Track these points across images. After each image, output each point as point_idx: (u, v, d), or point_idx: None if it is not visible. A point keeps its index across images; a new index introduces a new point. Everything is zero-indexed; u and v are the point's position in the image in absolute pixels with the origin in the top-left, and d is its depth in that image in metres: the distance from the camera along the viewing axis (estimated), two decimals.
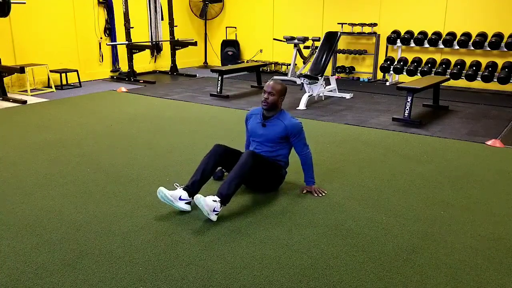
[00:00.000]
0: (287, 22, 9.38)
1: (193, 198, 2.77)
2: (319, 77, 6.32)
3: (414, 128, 4.94)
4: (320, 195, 3.08)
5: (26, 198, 2.99)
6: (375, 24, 8.25)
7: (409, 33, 7.93)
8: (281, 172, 3.11)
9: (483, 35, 7.24)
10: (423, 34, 7.77)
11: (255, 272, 2.16)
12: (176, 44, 9.07)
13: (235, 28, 10.18)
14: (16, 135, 4.49)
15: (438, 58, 7.84)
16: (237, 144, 3.65)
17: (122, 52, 8.46)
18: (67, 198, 2.99)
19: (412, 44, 7.87)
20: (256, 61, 9.78)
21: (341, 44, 8.87)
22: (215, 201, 2.66)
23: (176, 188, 2.84)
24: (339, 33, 6.80)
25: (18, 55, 7.02)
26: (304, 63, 8.19)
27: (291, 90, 7.44)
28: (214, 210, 2.64)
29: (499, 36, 7.08)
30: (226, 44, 10.13)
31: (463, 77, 7.29)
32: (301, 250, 2.37)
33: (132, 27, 8.13)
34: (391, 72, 8.00)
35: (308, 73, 6.31)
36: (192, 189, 2.83)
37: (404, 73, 7.83)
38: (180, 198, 2.77)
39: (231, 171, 2.79)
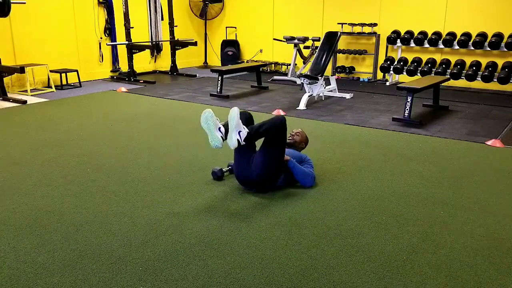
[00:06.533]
0: (287, 22, 9.38)
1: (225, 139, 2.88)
2: (319, 77, 6.32)
3: (414, 128, 4.94)
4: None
5: (26, 198, 2.99)
6: (375, 24, 8.25)
7: (409, 33, 7.93)
8: (282, 167, 3.13)
9: (483, 35, 7.24)
10: (423, 34, 7.77)
11: (255, 272, 2.16)
12: (176, 44, 9.07)
13: (235, 28, 10.18)
14: (16, 135, 4.49)
15: (438, 58, 7.84)
16: None
17: (122, 52, 8.46)
18: (67, 198, 2.99)
19: (412, 44, 7.87)
20: (256, 61, 9.78)
21: (341, 44, 8.87)
22: (245, 128, 2.82)
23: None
24: (339, 33, 6.80)
25: (18, 55, 7.02)
26: (304, 63, 8.20)
27: (291, 90, 7.45)
28: (238, 132, 2.78)
29: (499, 36, 7.08)
30: (226, 44, 10.13)
31: (463, 77, 7.29)
32: (301, 250, 2.36)
33: (132, 27, 8.13)
34: (391, 72, 8.00)
35: (308, 73, 6.31)
36: (227, 128, 2.88)
37: (404, 73, 7.83)
38: (219, 129, 2.85)
39: (265, 120, 2.96)
